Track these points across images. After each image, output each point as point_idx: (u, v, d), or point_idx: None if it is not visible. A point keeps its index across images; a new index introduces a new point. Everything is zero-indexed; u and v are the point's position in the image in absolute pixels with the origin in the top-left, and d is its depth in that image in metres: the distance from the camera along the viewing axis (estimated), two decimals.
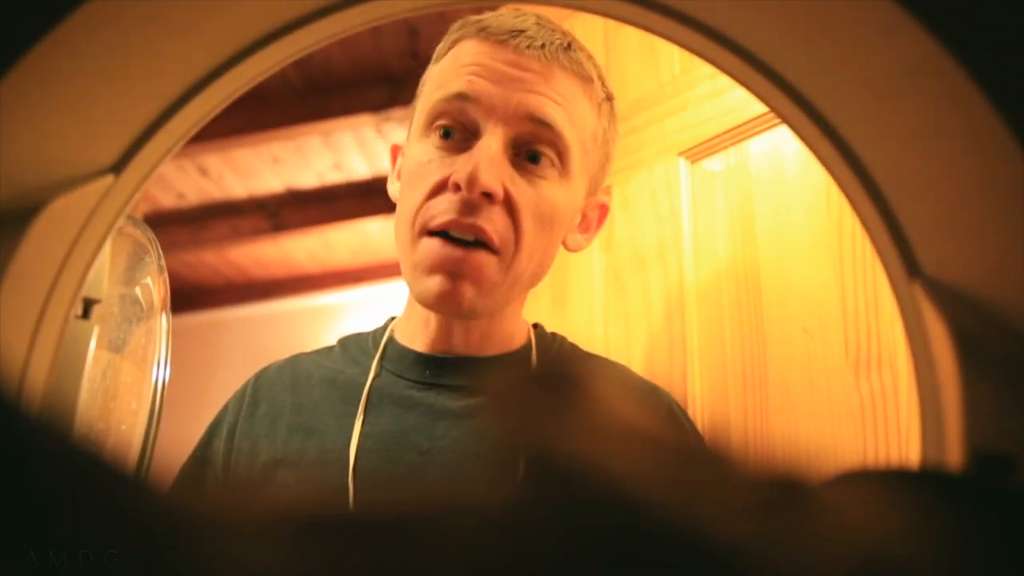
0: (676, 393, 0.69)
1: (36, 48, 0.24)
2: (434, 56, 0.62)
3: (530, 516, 0.11)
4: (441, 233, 0.54)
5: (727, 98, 0.84)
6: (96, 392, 0.44)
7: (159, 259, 0.55)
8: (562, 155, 0.56)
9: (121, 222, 0.32)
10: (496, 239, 0.54)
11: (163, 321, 0.55)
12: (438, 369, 0.60)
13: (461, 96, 0.54)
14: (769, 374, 0.75)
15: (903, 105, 0.27)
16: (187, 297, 3.61)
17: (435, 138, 0.56)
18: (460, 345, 0.61)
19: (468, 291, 0.54)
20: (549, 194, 0.56)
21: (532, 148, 0.55)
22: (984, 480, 0.21)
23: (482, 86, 0.54)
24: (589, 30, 1.10)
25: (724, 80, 0.71)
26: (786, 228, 0.77)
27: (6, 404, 0.12)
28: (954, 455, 0.25)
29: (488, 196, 0.53)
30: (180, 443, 0.65)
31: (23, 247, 0.26)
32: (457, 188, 0.53)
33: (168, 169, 2.79)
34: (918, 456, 0.28)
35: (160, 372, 0.53)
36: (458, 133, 0.55)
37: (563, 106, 0.55)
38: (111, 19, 0.25)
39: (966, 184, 0.26)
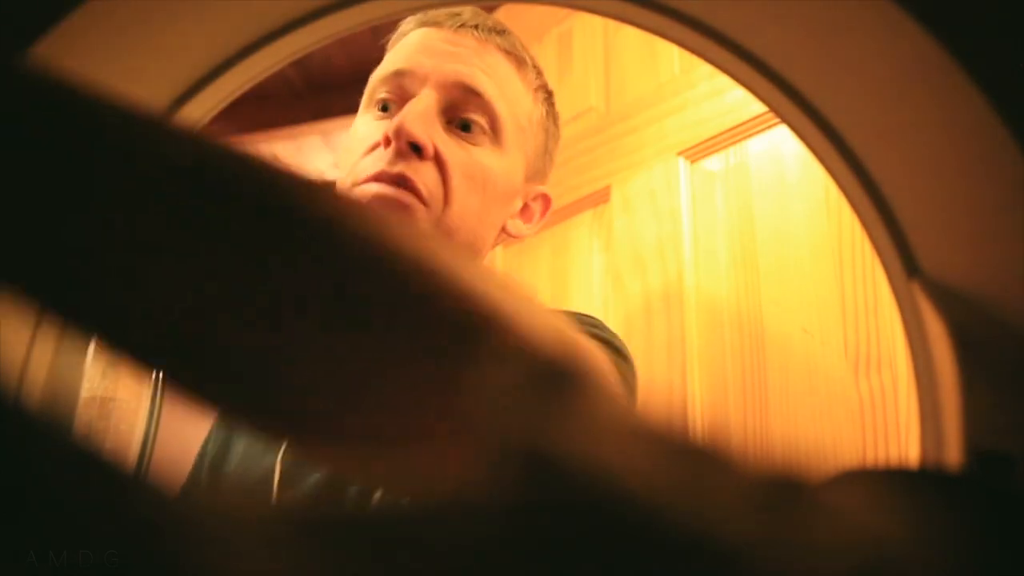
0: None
1: (33, 46, 0.24)
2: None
3: (528, 515, 0.11)
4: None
5: (727, 98, 0.84)
6: (96, 392, 0.44)
7: None
8: (494, 124, 0.57)
9: None
10: (424, 191, 0.54)
11: None
12: None
13: (398, 73, 0.57)
14: (768, 374, 0.75)
15: (903, 106, 0.27)
16: None
17: (374, 111, 0.58)
18: None
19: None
20: (481, 158, 0.57)
21: (463, 117, 0.56)
22: (983, 480, 0.21)
23: (417, 59, 0.57)
24: (588, 30, 1.10)
25: (724, 80, 0.71)
26: (785, 228, 0.77)
27: (6, 404, 0.12)
28: (953, 454, 0.25)
29: (416, 150, 0.53)
30: (179, 443, 0.66)
31: None
32: (388, 143, 0.53)
33: None
34: (917, 455, 0.28)
35: (160, 372, 0.53)
36: (395, 106, 0.57)
37: (494, 79, 0.58)
38: (109, 18, 0.25)
39: (965, 184, 0.26)
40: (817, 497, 0.12)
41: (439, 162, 0.55)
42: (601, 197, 1.00)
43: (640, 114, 0.97)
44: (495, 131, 0.57)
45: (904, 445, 0.63)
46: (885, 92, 0.27)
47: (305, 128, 2.50)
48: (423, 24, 0.60)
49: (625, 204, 0.96)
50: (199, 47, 0.30)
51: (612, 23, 1.00)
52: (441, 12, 0.59)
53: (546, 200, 0.66)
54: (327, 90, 2.45)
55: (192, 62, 0.30)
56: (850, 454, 0.67)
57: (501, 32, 0.60)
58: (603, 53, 1.07)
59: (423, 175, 0.54)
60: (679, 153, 0.89)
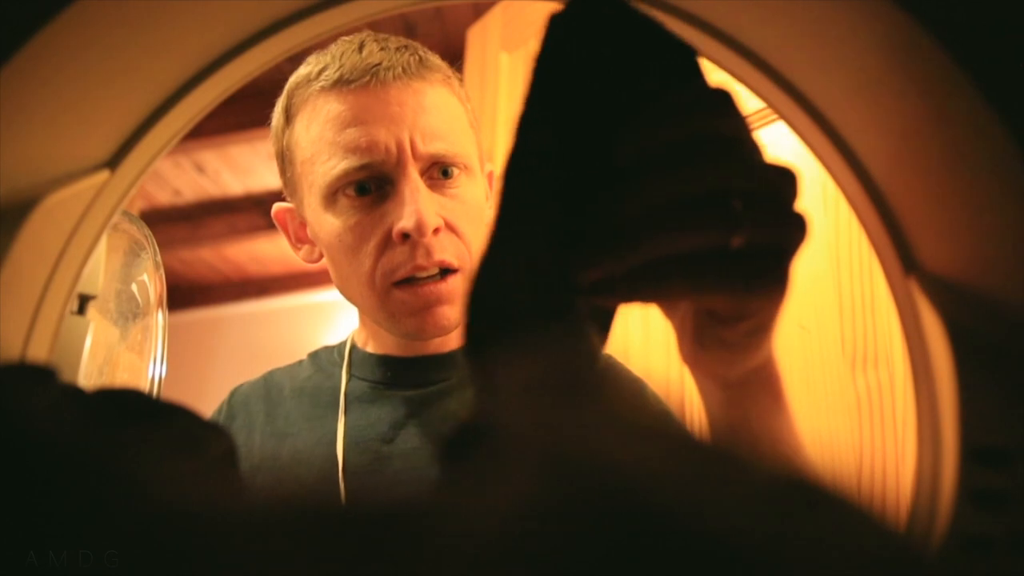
0: (656, 383, 0.70)
1: (30, 44, 0.23)
2: (283, 113, 0.63)
3: (546, 513, 0.11)
4: (407, 279, 0.57)
5: None
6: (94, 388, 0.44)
7: (155, 256, 0.55)
8: (465, 162, 0.60)
9: (117, 218, 0.32)
10: (456, 261, 0.57)
11: (159, 318, 0.54)
12: (397, 369, 0.64)
13: (362, 168, 0.56)
14: None
15: (900, 102, 0.27)
16: (184, 294, 3.60)
17: (348, 200, 0.58)
18: (419, 348, 0.64)
19: (449, 313, 0.58)
20: (470, 197, 0.60)
21: (442, 168, 0.59)
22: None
23: (373, 144, 0.56)
24: None
25: (720, 76, 0.70)
26: None
27: (5, 402, 0.12)
28: (950, 450, 0.25)
29: (435, 231, 0.56)
30: None
31: (18, 243, 0.25)
32: (405, 237, 0.55)
33: (164, 166, 2.78)
34: (914, 451, 0.28)
35: (156, 369, 0.53)
36: (372, 185, 0.58)
37: (447, 121, 0.59)
38: (105, 15, 0.25)
39: (962, 180, 0.26)
40: (830, 496, 0.12)
41: (449, 227, 0.58)
42: None
43: None
44: (467, 165, 0.60)
45: (900, 440, 0.63)
46: (883, 89, 0.27)
47: None
48: (340, 88, 0.57)
49: None
50: (195, 43, 0.30)
51: None
52: (355, 66, 0.57)
53: (491, 176, 0.68)
54: None
55: (188, 58, 0.30)
56: (847, 449, 0.67)
57: (420, 63, 0.59)
58: None
59: (447, 248, 0.57)
60: None
